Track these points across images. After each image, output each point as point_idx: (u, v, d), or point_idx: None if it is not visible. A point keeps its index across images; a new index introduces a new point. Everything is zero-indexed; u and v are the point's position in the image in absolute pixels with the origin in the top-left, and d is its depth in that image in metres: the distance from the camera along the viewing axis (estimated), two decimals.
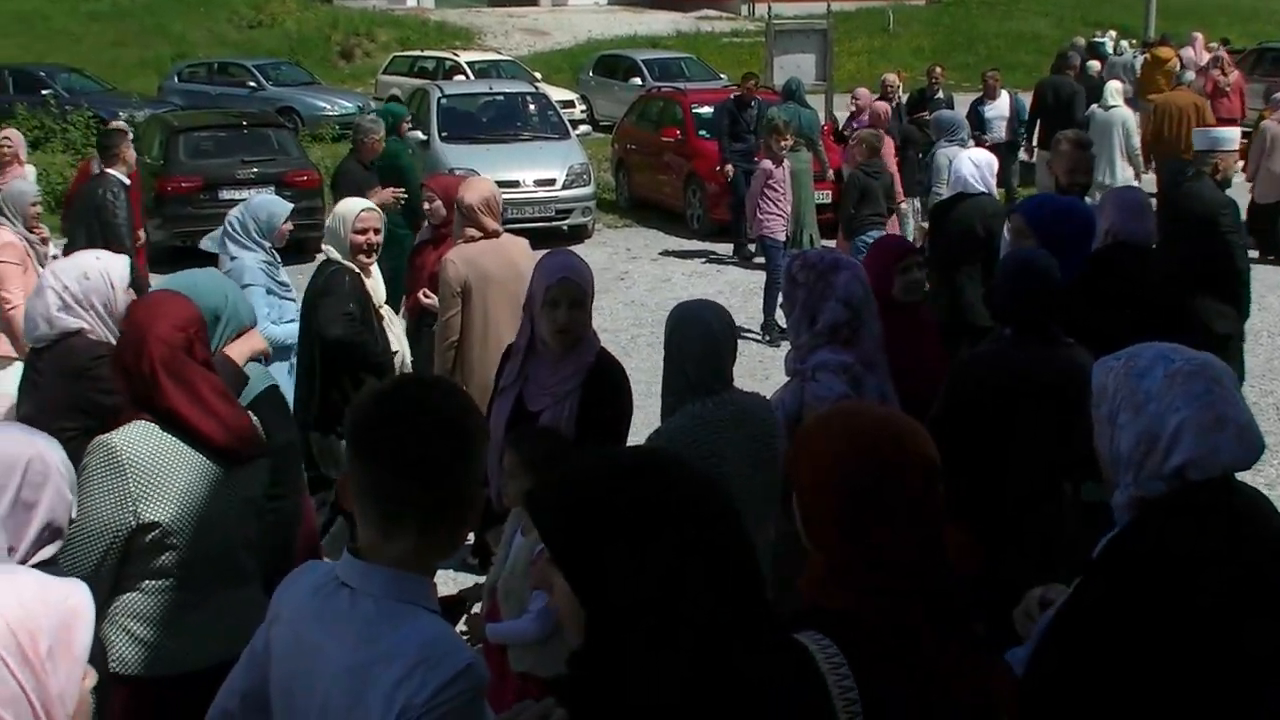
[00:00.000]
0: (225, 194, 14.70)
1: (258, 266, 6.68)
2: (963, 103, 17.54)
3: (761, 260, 12.76)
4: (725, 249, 15.78)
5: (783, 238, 12.32)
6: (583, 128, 25.74)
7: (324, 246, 6.51)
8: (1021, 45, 37.14)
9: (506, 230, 6.88)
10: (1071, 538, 4.17)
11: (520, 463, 4.26)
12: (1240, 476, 2.60)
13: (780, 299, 4.57)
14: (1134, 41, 27.68)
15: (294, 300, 6.89)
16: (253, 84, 28.72)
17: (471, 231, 6.65)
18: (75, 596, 1.97)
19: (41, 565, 2.83)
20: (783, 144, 12.31)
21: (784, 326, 5.56)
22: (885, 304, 4.82)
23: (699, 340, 4.24)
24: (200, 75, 30.04)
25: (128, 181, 10.24)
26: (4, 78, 27.12)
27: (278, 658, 2.46)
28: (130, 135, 10.77)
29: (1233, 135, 8.68)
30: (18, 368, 5.64)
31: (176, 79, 30.09)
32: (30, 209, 9.08)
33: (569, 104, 25.96)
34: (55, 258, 9.23)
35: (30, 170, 11.57)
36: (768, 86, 18.84)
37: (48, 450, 2.93)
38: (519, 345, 4.94)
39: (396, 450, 2.30)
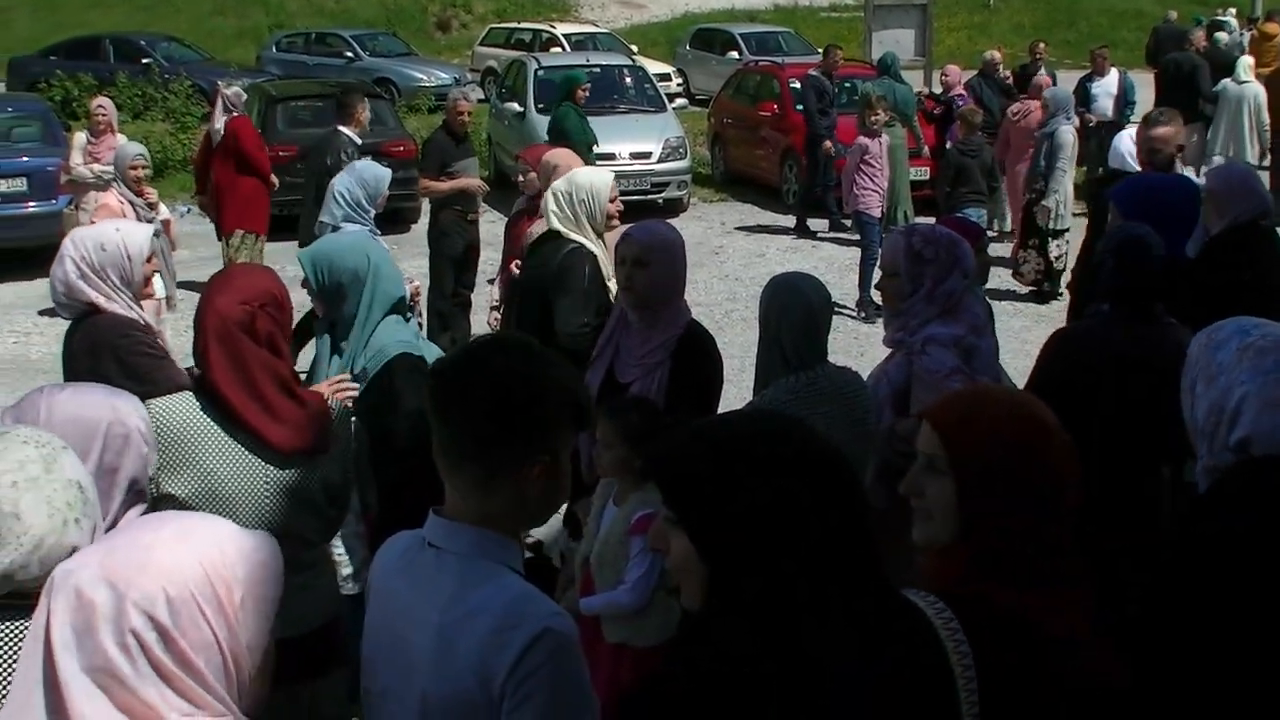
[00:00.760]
0: None
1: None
2: (1065, 80, 17.22)
3: (856, 236, 12.65)
4: (820, 224, 15.64)
5: (878, 214, 12.13)
6: (679, 101, 25.68)
7: (553, 222, 5.77)
8: (1124, 22, 36.37)
9: None
10: (1170, 518, 4.10)
11: (614, 433, 4.21)
12: None
13: (883, 275, 4.45)
14: (1237, 15, 27.06)
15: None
16: (350, 54, 28.99)
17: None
18: (265, 550, 1.98)
19: None
20: (875, 118, 12.09)
21: (879, 304, 5.46)
22: None
23: (795, 311, 4.19)
24: (298, 45, 30.38)
25: (359, 141, 10.01)
26: (105, 47, 27.45)
27: (370, 627, 2.47)
28: (365, 97, 10.63)
29: None
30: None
31: (274, 49, 30.49)
32: (130, 171, 9.19)
33: (665, 77, 25.88)
34: (165, 222, 9.32)
35: (121, 139, 11.65)
36: (860, 60, 18.63)
37: (127, 411, 2.87)
38: (613, 315, 4.92)
39: (467, 409, 2.30)
